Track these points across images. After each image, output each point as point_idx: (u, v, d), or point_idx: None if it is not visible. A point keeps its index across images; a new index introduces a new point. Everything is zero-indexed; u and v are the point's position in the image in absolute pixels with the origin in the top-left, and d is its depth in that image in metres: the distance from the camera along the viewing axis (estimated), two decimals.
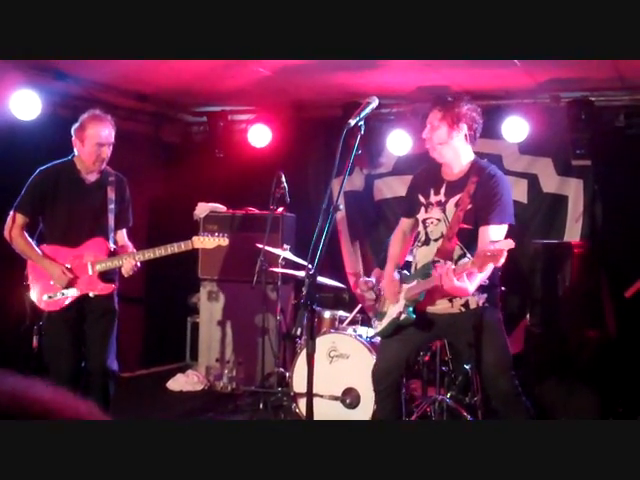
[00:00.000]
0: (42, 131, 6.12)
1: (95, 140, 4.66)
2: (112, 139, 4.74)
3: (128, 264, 4.69)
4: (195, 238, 4.76)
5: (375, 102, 3.50)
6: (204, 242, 4.79)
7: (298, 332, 3.11)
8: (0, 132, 5.84)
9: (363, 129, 3.41)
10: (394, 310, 4.25)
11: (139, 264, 4.73)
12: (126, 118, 7.50)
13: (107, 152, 4.72)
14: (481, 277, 3.86)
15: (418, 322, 4.16)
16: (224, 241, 4.86)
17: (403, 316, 4.16)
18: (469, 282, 3.79)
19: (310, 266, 3.28)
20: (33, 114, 6.09)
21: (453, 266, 3.79)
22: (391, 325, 4.27)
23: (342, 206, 3.29)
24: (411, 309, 4.13)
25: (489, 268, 3.78)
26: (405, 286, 4.20)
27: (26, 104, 6.04)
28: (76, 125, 4.72)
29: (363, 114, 3.41)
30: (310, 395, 3.27)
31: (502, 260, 3.55)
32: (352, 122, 3.37)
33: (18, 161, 5.23)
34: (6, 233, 4.73)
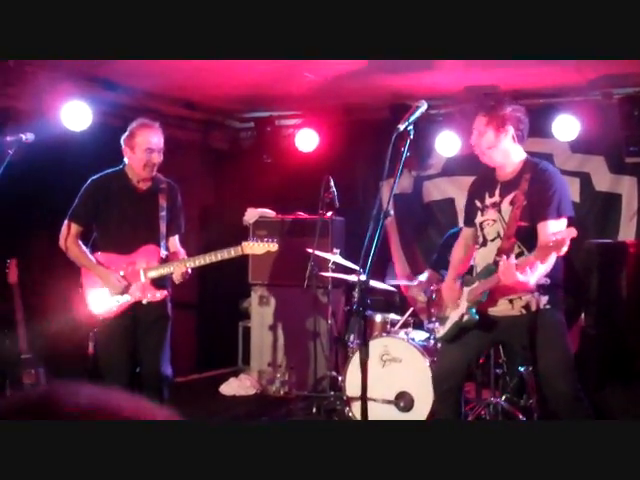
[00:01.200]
0: (93, 141, 6.21)
1: (145, 146, 4.70)
2: (161, 145, 4.78)
3: (179, 271, 4.72)
4: (245, 244, 4.77)
5: (424, 106, 3.50)
6: (253, 248, 4.80)
7: (351, 338, 3.10)
8: (52, 143, 5.92)
9: (412, 133, 3.40)
10: (456, 313, 4.29)
11: (190, 271, 4.76)
12: (175, 126, 7.59)
13: (157, 158, 4.75)
14: (544, 269, 3.84)
15: (480, 324, 4.17)
16: (273, 247, 4.87)
17: (466, 317, 4.19)
18: (531, 275, 3.78)
19: (361, 272, 3.26)
20: (84, 124, 6.19)
21: (515, 261, 3.78)
22: (454, 328, 4.29)
23: (392, 211, 3.27)
24: (474, 310, 4.15)
25: (552, 259, 3.80)
26: (467, 289, 4.24)
27: (77, 115, 6.13)
28: (125, 134, 4.77)
29: (412, 118, 3.41)
30: (364, 401, 3.26)
31: (564, 249, 3.57)
32: (401, 127, 3.37)
33: (70, 171, 5.31)
34: (61, 242, 4.81)
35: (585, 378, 5.68)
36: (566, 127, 6.55)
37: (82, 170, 5.05)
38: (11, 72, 5.89)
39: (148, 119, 4.86)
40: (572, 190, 6.82)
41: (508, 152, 4.14)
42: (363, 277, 3.24)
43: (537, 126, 6.69)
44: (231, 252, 4.75)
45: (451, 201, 7.55)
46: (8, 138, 4.56)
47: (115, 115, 6.67)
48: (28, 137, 4.62)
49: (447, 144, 7.16)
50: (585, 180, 6.90)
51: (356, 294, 3.28)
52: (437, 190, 7.70)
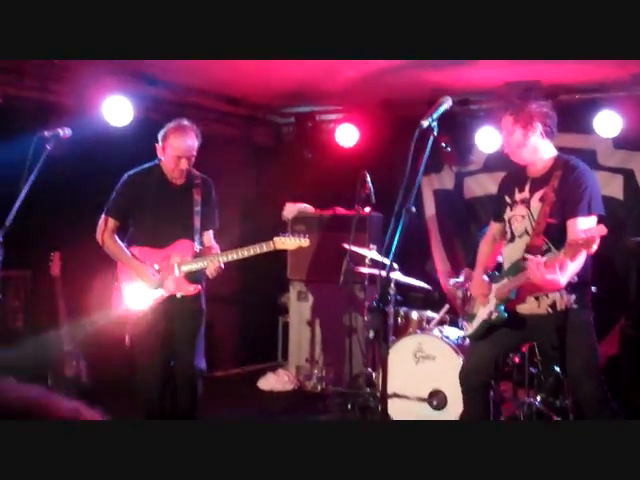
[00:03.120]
0: (134, 136, 6.29)
1: (175, 152, 4.74)
2: (193, 151, 4.79)
3: (212, 265, 4.76)
4: (276, 239, 4.79)
5: (449, 102, 3.47)
6: (285, 243, 4.82)
7: (371, 335, 3.10)
8: (94, 138, 6.02)
9: (436, 130, 3.38)
10: (485, 311, 4.26)
11: (223, 265, 4.80)
12: (217, 121, 7.66)
13: (185, 164, 4.77)
14: (573, 267, 3.80)
15: (508, 322, 4.15)
16: (305, 242, 4.88)
17: (495, 315, 4.16)
18: (560, 274, 3.73)
19: (383, 269, 3.26)
20: (125, 120, 6.27)
21: (543, 259, 3.74)
22: (483, 326, 4.27)
23: (414, 208, 3.25)
24: (502, 307, 4.12)
25: (581, 257, 3.76)
26: (495, 285, 4.21)
27: (118, 110, 6.21)
28: (161, 132, 4.82)
29: (436, 115, 3.39)
30: (384, 399, 3.25)
31: (595, 247, 3.50)
32: (424, 123, 3.35)
33: (112, 166, 5.38)
34: (98, 236, 4.89)
35: (625, 379, 5.60)
36: (608, 123, 6.43)
37: (124, 165, 5.12)
38: (53, 68, 6.00)
39: (187, 121, 4.86)
40: (615, 187, 6.72)
41: (537, 149, 4.10)
42: (385, 274, 3.22)
43: (579, 122, 6.61)
44: (263, 247, 4.78)
45: (492, 197, 7.46)
46: (46, 133, 4.64)
47: (157, 110, 6.75)
48: (66, 132, 4.69)
49: (488, 140, 7.09)
50: (629, 177, 6.76)
51: (378, 290, 3.26)
52: (478, 186, 7.64)
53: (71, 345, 6.45)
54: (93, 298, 5.94)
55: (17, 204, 4.33)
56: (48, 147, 4.56)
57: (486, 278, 4.32)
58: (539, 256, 3.79)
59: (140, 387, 4.92)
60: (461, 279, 6.16)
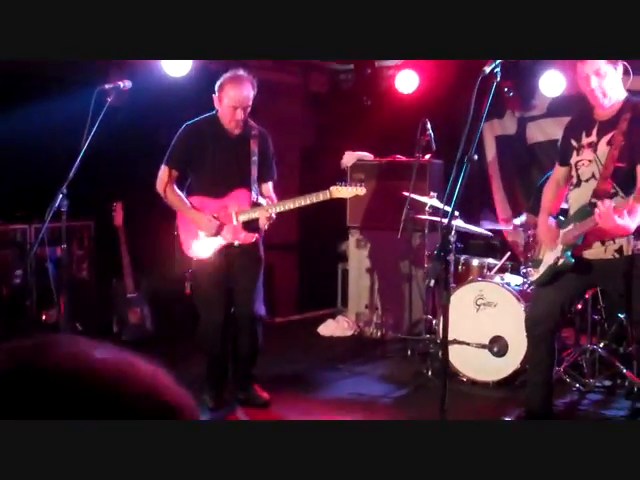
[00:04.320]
0: (193, 86, 6.31)
1: (231, 103, 4.77)
2: (249, 102, 4.81)
3: (263, 215, 4.80)
4: (333, 188, 4.80)
5: None
6: (341, 192, 4.83)
7: (431, 283, 3.09)
8: (153, 89, 6.06)
9: (499, 76, 3.32)
10: (551, 256, 4.21)
11: (274, 216, 4.83)
12: (275, 69, 7.62)
13: (241, 115, 4.80)
14: None
15: (575, 267, 4.10)
16: (361, 190, 4.89)
17: (561, 261, 4.12)
18: (630, 219, 3.68)
19: (444, 217, 3.24)
20: (184, 70, 6.28)
21: (612, 204, 3.69)
22: (549, 272, 4.23)
23: (476, 156, 3.21)
24: (569, 253, 4.08)
25: None
26: (562, 231, 4.16)
27: (177, 61, 6.22)
28: (217, 83, 4.84)
29: (498, 60, 3.32)
30: (445, 346, 3.26)
31: None
32: (487, 69, 3.30)
33: (172, 116, 5.43)
34: (158, 187, 4.96)
35: None
36: None
37: (183, 115, 5.16)
38: None
39: (242, 71, 4.87)
40: None
41: (618, 90, 4.00)
42: (445, 222, 3.20)
43: None
44: (320, 196, 4.80)
45: (555, 143, 7.31)
46: (107, 86, 4.70)
47: (214, 60, 6.73)
48: (126, 84, 4.74)
49: (552, 84, 6.91)
50: None
51: (439, 239, 3.24)
52: (541, 132, 7.48)
53: (135, 293, 6.60)
54: (156, 247, 6.04)
55: (79, 156, 4.41)
56: (109, 100, 4.61)
57: (552, 222, 4.26)
58: (607, 201, 3.73)
59: (202, 333, 5.03)
60: (519, 221, 6.10)
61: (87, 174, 4.48)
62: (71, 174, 4.36)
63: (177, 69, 6.26)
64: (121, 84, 4.70)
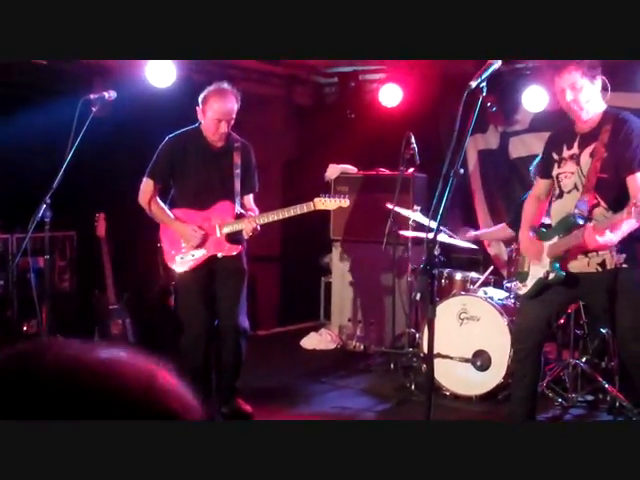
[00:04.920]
0: (177, 98, 6.29)
1: (215, 115, 4.79)
2: (233, 114, 4.84)
3: (249, 226, 4.81)
4: (317, 199, 4.84)
5: (497, 63, 3.42)
6: (325, 203, 4.85)
7: (418, 297, 3.09)
8: (137, 100, 6.04)
9: (485, 91, 3.34)
10: (539, 269, 4.21)
11: (259, 227, 4.84)
12: (259, 81, 7.63)
13: (224, 128, 4.82)
14: (630, 225, 3.77)
15: (563, 280, 4.11)
16: (345, 202, 4.92)
17: (552, 275, 4.12)
18: (613, 234, 3.76)
19: (430, 231, 3.25)
20: (168, 81, 6.26)
21: (591, 224, 3.78)
22: (538, 285, 4.24)
23: (462, 170, 3.23)
24: (558, 265, 4.09)
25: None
26: (546, 243, 4.18)
27: (161, 72, 6.20)
28: (201, 96, 4.86)
29: (484, 76, 3.34)
30: (431, 360, 3.25)
31: None
32: (473, 84, 3.31)
33: (155, 128, 5.40)
34: (140, 199, 4.97)
35: None
36: None
37: (167, 126, 5.16)
38: None
39: (226, 84, 4.91)
40: None
41: (596, 102, 4.04)
42: (432, 236, 3.21)
43: (629, 80, 6.45)
44: (303, 208, 4.82)
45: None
46: (92, 96, 4.69)
47: (199, 71, 6.72)
48: (111, 95, 4.74)
49: (534, 99, 6.95)
50: None
51: (425, 253, 3.25)
52: (523, 146, 7.52)
53: (117, 304, 6.55)
54: (138, 258, 6.01)
55: (64, 166, 4.39)
56: (94, 110, 4.60)
57: (533, 235, 4.28)
58: (587, 224, 3.83)
59: (185, 346, 5.01)
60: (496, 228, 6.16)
61: (69, 184, 4.46)
62: (55, 184, 4.33)
63: (161, 80, 6.24)
64: (106, 94, 4.70)
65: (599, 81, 3.99)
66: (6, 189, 5.98)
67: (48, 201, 4.38)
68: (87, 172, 5.97)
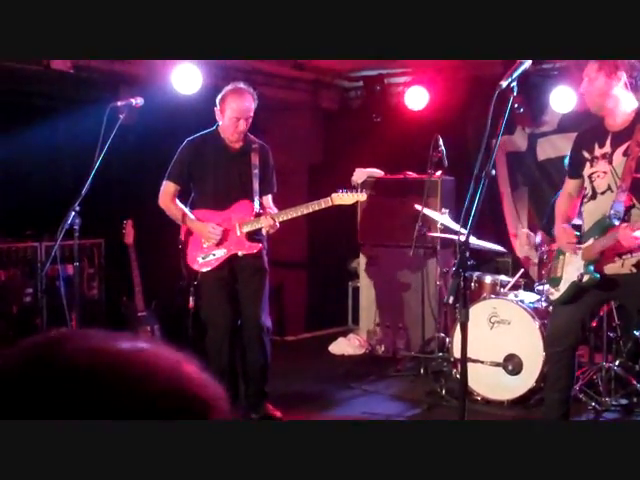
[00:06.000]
0: (203, 104, 6.27)
1: (233, 114, 4.84)
2: (251, 112, 4.89)
3: (267, 223, 4.84)
4: (334, 195, 4.86)
5: (528, 63, 3.38)
6: (343, 198, 4.86)
7: (450, 300, 3.05)
8: (163, 107, 6.05)
9: (516, 90, 3.30)
10: (572, 272, 4.12)
11: (278, 224, 4.87)
12: (285, 87, 7.62)
13: (243, 126, 4.88)
14: None
15: (598, 283, 4.04)
16: (362, 196, 4.94)
17: (586, 277, 4.03)
18: None
19: (462, 234, 3.21)
20: (194, 88, 6.26)
21: (625, 224, 3.74)
22: (572, 289, 4.13)
23: (494, 171, 3.19)
24: (592, 268, 4.00)
25: None
26: (582, 246, 4.09)
27: (187, 78, 6.21)
28: (219, 96, 4.91)
29: (515, 75, 3.31)
30: (464, 364, 3.21)
31: None
32: (504, 84, 3.28)
33: (181, 134, 5.41)
34: (160, 201, 5.06)
35: None
36: None
37: (193, 133, 5.19)
38: None
39: (243, 84, 4.98)
40: None
41: (619, 100, 3.98)
42: (464, 238, 3.17)
43: None
44: (321, 204, 4.85)
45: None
46: (119, 103, 4.71)
47: (225, 77, 6.71)
48: (138, 102, 4.76)
49: (562, 100, 6.87)
50: None
51: (457, 256, 3.21)
52: (552, 147, 7.44)
53: (145, 311, 6.56)
54: (165, 263, 6.01)
55: (92, 173, 4.40)
56: (121, 117, 4.62)
57: (567, 226, 4.22)
58: (622, 224, 3.79)
59: (210, 345, 5.02)
60: (538, 237, 6.05)
61: (98, 191, 4.47)
62: (83, 191, 4.34)
63: (187, 87, 6.25)
64: (133, 101, 4.72)
65: (621, 80, 3.92)
66: (35, 197, 6.01)
67: (77, 209, 4.39)
68: (115, 179, 6.00)
